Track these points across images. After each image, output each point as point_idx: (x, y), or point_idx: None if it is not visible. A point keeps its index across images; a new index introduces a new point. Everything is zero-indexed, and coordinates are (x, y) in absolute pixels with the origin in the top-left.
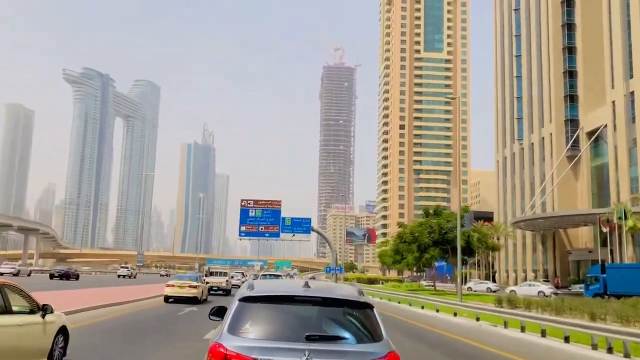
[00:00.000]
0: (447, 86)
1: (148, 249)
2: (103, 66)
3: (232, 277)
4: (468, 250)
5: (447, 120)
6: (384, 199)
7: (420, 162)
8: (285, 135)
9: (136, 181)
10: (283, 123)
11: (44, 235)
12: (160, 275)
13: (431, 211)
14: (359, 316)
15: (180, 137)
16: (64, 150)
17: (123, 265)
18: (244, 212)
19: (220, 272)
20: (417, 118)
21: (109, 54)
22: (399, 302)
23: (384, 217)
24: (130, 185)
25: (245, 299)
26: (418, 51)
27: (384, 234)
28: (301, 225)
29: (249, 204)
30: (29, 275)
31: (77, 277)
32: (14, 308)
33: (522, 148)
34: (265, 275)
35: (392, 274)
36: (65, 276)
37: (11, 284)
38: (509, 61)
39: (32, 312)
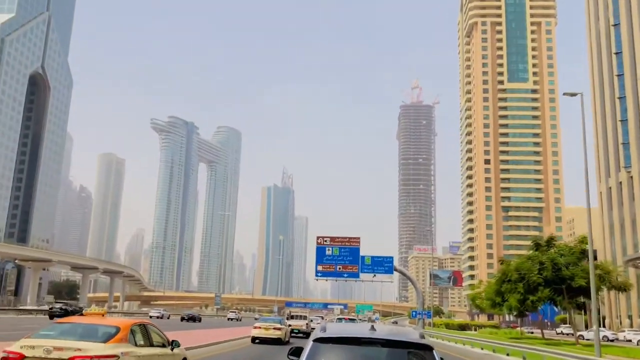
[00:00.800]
0: (535, 117)
1: (230, 292)
2: (188, 114)
3: (312, 320)
4: (588, 291)
5: (537, 153)
6: (470, 239)
7: (508, 198)
8: (363, 176)
9: (219, 225)
10: (361, 163)
11: (129, 278)
12: (255, 319)
13: (542, 242)
14: (419, 356)
15: (261, 180)
16: (152, 196)
17: (232, 310)
18: (320, 251)
19: (300, 316)
20: (503, 152)
21: (195, 103)
22: (507, 355)
23: (471, 257)
24: (213, 229)
25: (319, 340)
26: (501, 82)
27: (472, 276)
28: (382, 265)
29: (325, 241)
30: (168, 318)
31: (200, 320)
32: (154, 342)
33: (631, 176)
34: (340, 319)
35: (482, 318)
36: (192, 319)
37: (151, 323)
38: (609, 81)
39: (164, 345)
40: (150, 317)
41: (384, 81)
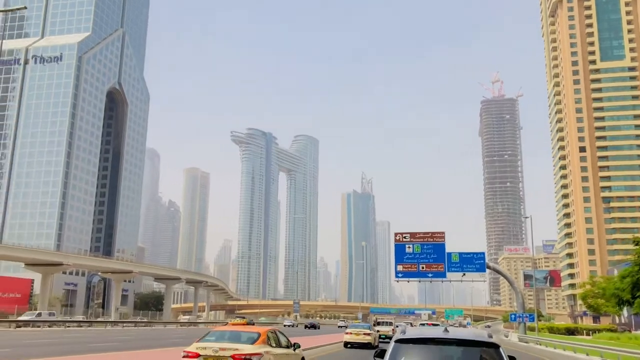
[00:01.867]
0: (635, 97)
1: (316, 299)
2: (265, 125)
3: (397, 326)
4: None
5: (639, 136)
6: (568, 234)
7: (609, 188)
8: (446, 177)
9: (301, 233)
10: (443, 163)
11: (214, 288)
12: (338, 327)
13: None
14: (488, 353)
15: (340, 187)
16: (236, 207)
17: (341, 318)
18: (399, 249)
19: (386, 322)
20: (600, 138)
21: (271, 113)
22: None
23: (569, 255)
24: (295, 237)
25: (399, 341)
26: (593, 62)
27: (571, 275)
28: (472, 262)
29: (405, 238)
30: (296, 326)
31: (318, 327)
32: (282, 344)
33: None
34: (423, 324)
35: (586, 321)
36: (312, 326)
37: (279, 330)
38: None
39: (288, 347)
40: (285, 325)
41: (461, 77)
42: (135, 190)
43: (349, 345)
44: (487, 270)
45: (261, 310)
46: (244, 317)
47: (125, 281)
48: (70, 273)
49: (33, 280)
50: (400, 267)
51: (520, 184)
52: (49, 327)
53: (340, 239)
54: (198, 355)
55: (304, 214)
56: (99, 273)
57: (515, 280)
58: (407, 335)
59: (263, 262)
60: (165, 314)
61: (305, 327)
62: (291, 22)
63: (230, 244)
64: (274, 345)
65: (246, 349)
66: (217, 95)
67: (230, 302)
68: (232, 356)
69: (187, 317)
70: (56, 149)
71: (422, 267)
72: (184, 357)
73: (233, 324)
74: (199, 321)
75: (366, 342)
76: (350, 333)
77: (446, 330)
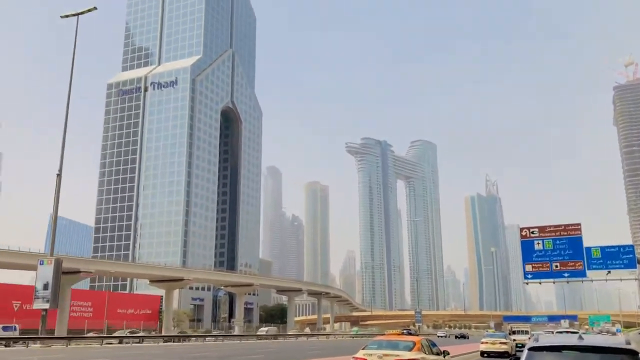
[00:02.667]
0: None
1: (445, 309)
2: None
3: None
4: None
5: None
6: None
7: None
8: (577, 173)
9: (424, 241)
10: (573, 157)
11: (337, 299)
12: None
13: None
14: None
15: (462, 191)
16: (355, 218)
17: (489, 328)
18: (526, 246)
19: (522, 331)
20: None
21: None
22: None
23: None
24: (419, 245)
25: (532, 349)
26: None
27: None
28: (619, 257)
29: (533, 233)
30: (448, 337)
31: (467, 337)
32: (433, 352)
33: None
34: (560, 331)
35: None
36: (462, 337)
37: (430, 340)
38: None
39: (438, 354)
40: (438, 336)
41: (585, 63)
42: (254, 205)
43: (485, 355)
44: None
45: (386, 322)
46: (407, 328)
47: (248, 294)
48: (197, 288)
49: (162, 296)
50: (529, 267)
51: None
52: (183, 341)
53: (466, 246)
54: (487, 342)
55: (425, 221)
56: (222, 287)
57: None
58: (541, 343)
59: (387, 272)
60: (289, 325)
61: (456, 337)
62: (395, 47)
63: (353, 255)
64: (427, 352)
65: (405, 355)
66: (325, 108)
67: (354, 313)
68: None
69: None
70: (177, 169)
71: (556, 266)
72: (482, 343)
73: (390, 335)
74: (322, 333)
75: (502, 350)
76: (486, 342)
77: (580, 337)
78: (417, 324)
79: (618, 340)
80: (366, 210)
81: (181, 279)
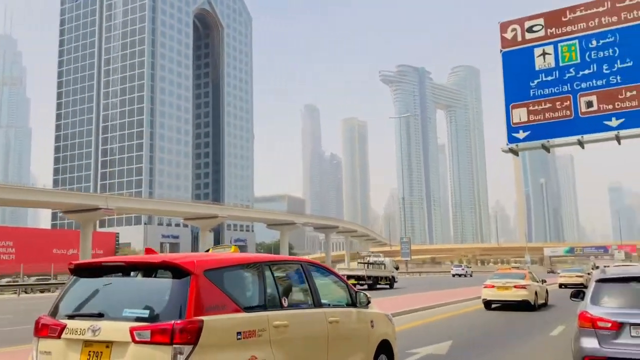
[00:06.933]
0: None
1: (490, 242)
2: (417, 61)
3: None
4: None
5: None
6: None
7: None
8: None
9: (467, 173)
10: None
11: (365, 237)
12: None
13: None
14: None
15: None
16: (393, 152)
17: (456, 265)
18: (514, 62)
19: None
20: None
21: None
22: None
23: None
24: (462, 177)
25: (601, 280)
26: None
27: None
28: None
29: (532, 31)
30: (471, 275)
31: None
32: (536, 279)
33: None
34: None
35: None
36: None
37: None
38: None
39: (538, 281)
40: (453, 275)
41: None
42: (245, 129)
43: (563, 286)
44: None
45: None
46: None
47: (240, 230)
48: (169, 224)
49: (118, 233)
50: (519, 113)
51: None
52: None
53: (514, 178)
54: (493, 286)
55: (469, 154)
56: (184, 220)
57: None
58: (608, 275)
59: (427, 206)
60: None
61: (453, 275)
62: None
63: (395, 192)
64: (533, 280)
65: (521, 282)
66: (355, 37)
67: (375, 249)
68: (514, 286)
69: None
70: (137, 83)
71: (588, 103)
72: (484, 287)
73: (502, 270)
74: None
75: (578, 282)
76: (565, 276)
77: None
78: (404, 259)
79: None
80: (404, 142)
81: (96, 208)
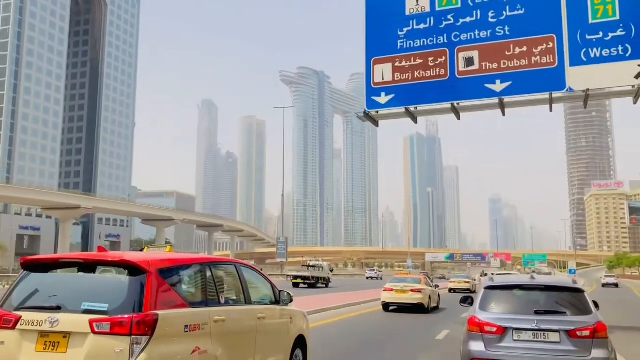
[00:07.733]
0: None
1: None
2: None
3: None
4: None
5: None
6: None
7: None
8: (519, 117)
9: (360, 179)
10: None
11: (253, 238)
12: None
13: None
14: (573, 298)
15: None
16: (289, 152)
17: (370, 269)
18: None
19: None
20: None
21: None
22: None
23: None
24: (354, 183)
25: (489, 287)
26: None
27: None
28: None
29: None
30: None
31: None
32: (430, 285)
33: None
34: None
35: None
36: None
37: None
38: None
39: (432, 287)
40: (367, 278)
41: None
42: (125, 115)
43: (452, 291)
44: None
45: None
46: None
47: (114, 225)
48: (28, 214)
49: None
50: (382, 72)
51: (608, 114)
52: None
53: (403, 186)
54: (392, 290)
55: (363, 159)
56: (42, 210)
57: (607, 221)
58: (496, 283)
59: (320, 210)
60: None
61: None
62: None
63: (292, 194)
64: (427, 284)
65: (417, 286)
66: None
67: (258, 250)
68: (411, 289)
69: None
70: None
71: (468, 61)
72: (384, 290)
73: (399, 274)
74: None
75: (466, 288)
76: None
77: (532, 277)
78: (279, 260)
79: (565, 280)
80: (300, 144)
81: None
